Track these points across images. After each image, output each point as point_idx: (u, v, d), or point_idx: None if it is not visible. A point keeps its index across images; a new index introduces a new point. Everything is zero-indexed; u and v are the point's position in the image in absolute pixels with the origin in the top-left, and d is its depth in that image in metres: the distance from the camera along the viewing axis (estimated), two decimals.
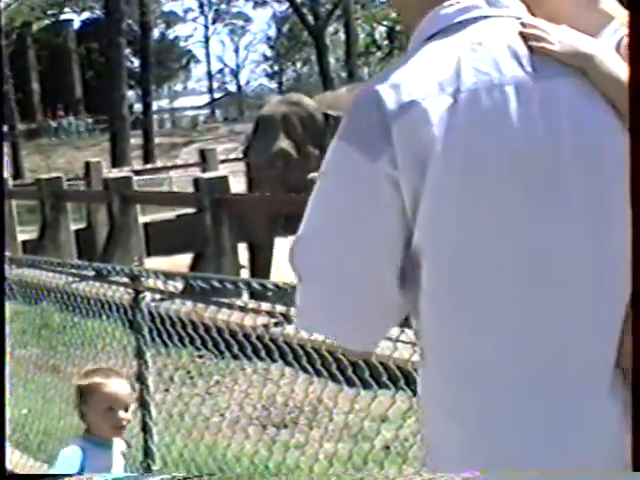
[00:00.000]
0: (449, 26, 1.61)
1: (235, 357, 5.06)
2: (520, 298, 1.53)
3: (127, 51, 34.96)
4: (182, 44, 50.77)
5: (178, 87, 52.00)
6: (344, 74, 37.79)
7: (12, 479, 2.04)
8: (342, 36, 40.00)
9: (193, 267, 10.28)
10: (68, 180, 17.48)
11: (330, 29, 36.05)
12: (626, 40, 1.63)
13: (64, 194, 14.88)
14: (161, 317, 4.88)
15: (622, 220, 1.50)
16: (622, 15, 1.71)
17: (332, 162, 1.61)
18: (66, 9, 40.06)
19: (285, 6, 41.15)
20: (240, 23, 53.90)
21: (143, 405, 4.56)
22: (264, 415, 5.92)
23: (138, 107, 38.05)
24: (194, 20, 52.53)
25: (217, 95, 55.79)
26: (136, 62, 39.11)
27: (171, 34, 49.07)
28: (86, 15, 42.55)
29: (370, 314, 1.62)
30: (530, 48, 1.58)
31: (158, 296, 7.41)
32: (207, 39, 53.03)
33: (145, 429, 4.51)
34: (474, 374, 1.56)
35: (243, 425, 5.57)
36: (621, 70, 1.57)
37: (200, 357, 6.34)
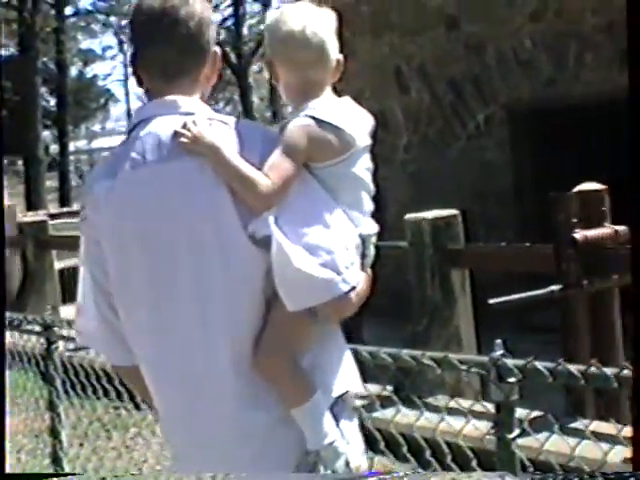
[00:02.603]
0: (139, 122, 2.35)
1: (152, 408, 4.89)
2: (153, 334, 2.34)
3: (43, 90, 34.43)
4: (101, 83, 50.23)
5: (96, 127, 51.45)
6: (268, 113, 37.69)
7: (12, 479, 2.07)
8: (266, 75, 39.84)
9: None
10: None
11: (254, 67, 35.81)
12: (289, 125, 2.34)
13: None
14: (75, 368, 4.69)
15: (221, 284, 2.28)
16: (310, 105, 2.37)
17: None
18: None
19: None
20: None
21: (55, 461, 4.37)
22: None
23: (54, 148, 37.44)
24: (113, 58, 52.14)
25: None
26: (52, 101, 38.49)
27: (89, 72, 48.61)
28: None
29: (110, 334, 2.42)
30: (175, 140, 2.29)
31: (72, 345, 7.17)
32: (126, 77, 52.60)
33: None
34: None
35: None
36: (230, 158, 2.27)
37: (116, 408, 6.13)
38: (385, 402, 4.22)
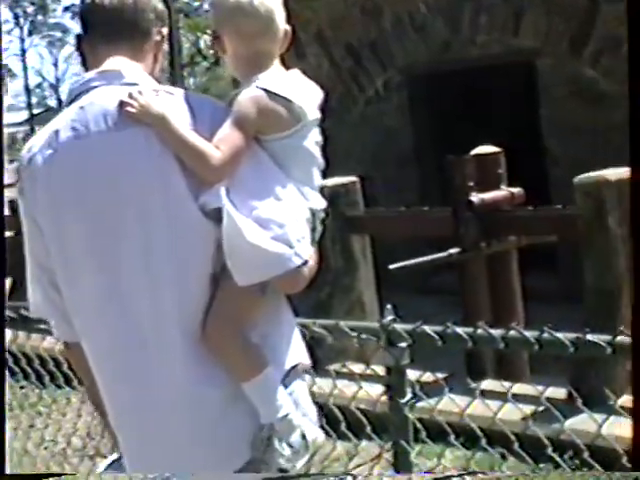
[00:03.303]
0: (80, 93, 2.32)
1: (59, 387, 4.86)
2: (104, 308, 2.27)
3: None
4: None
5: None
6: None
7: (12, 479, 2.00)
8: (165, 46, 39.46)
9: (11, 293, 9.82)
10: None
11: None
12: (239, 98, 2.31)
13: None
14: None
15: (169, 255, 2.24)
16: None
17: None
18: None
19: None
20: (58, 35, 52.61)
21: None
22: (92, 445, 5.69)
23: None
24: (9, 32, 50.96)
25: (37, 111, 54.28)
26: None
27: None
28: None
29: (54, 310, 2.39)
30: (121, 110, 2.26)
31: None
32: (24, 52, 51.55)
33: None
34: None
35: (70, 457, 5.35)
36: (179, 129, 2.24)
37: (22, 388, 6.05)
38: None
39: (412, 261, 5.66)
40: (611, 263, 5.24)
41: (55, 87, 56.32)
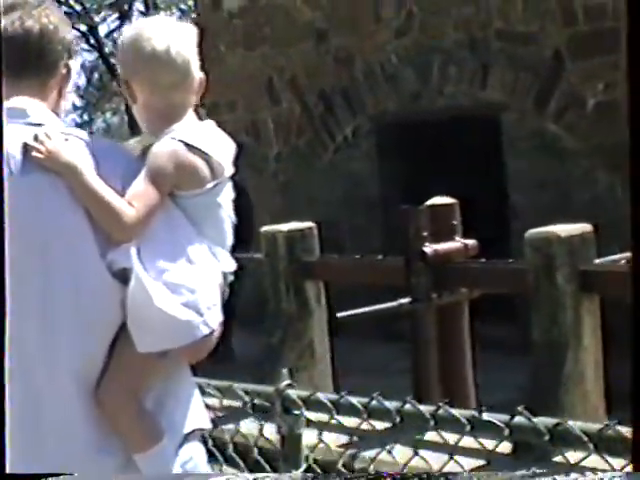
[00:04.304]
0: None
1: None
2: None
3: None
4: None
5: None
6: None
7: (12, 479, 1.95)
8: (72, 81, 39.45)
9: None
10: None
11: None
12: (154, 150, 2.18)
13: None
14: None
15: (70, 311, 2.09)
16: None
17: None
18: None
19: (94, 55, 40.41)
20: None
21: None
22: None
23: None
24: None
25: None
26: None
27: None
28: None
29: None
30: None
31: None
32: None
33: None
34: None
35: None
36: (90, 180, 2.09)
37: None
38: None
39: (360, 310, 5.68)
40: (558, 318, 5.28)
41: None
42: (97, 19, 32.15)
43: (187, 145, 2.19)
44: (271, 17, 10.95)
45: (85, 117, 55.10)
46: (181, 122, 2.24)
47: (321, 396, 2.55)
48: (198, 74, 2.29)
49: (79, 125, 56.88)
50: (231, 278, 2.28)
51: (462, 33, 9.34)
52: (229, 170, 2.27)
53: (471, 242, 6.02)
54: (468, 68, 9.28)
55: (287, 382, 2.61)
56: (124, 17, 30.57)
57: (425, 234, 5.92)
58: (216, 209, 2.24)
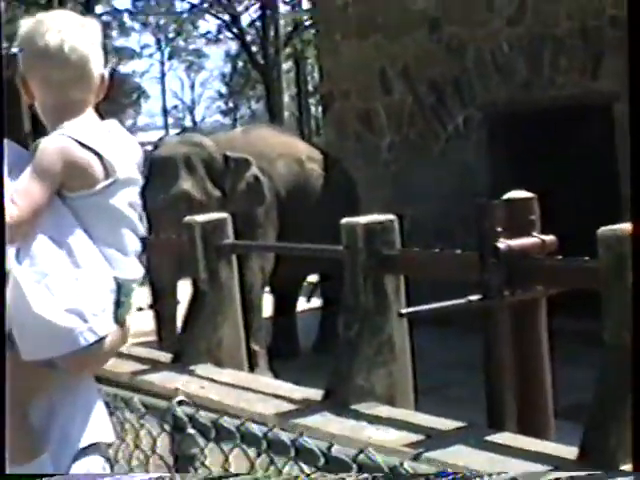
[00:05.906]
0: None
1: None
2: None
3: None
4: (137, 80, 50.63)
5: (128, 122, 51.78)
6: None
7: (12, 479, 2.01)
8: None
9: None
10: None
11: (284, 66, 35.92)
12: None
13: None
14: None
15: None
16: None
17: None
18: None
19: (237, 44, 40.99)
20: (196, 60, 53.83)
21: None
22: None
23: None
24: (150, 56, 52.44)
25: (173, 131, 55.51)
26: None
27: (127, 70, 48.94)
28: None
29: None
30: None
31: None
32: (163, 75, 52.94)
33: None
34: None
35: None
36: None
37: None
38: None
39: (426, 306, 5.56)
40: (628, 318, 5.07)
41: (191, 109, 57.61)
42: (240, 8, 32.67)
43: (77, 142, 2.10)
44: (385, 6, 10.87)
45: (230, 104, 56.18)
46: (75, 120, 2.15)
47: (202, 414, 2.31)
48: (99, 70, 2.19)
49: (224, 112, 58.08)
50: (133, 287, 2.11)
51: (575, 21, 9.07)
52: (127, 173, 2.16)
53: (549, 238, 5.83)
54: (580, 57, 9.00)
55: (179, 399, 2.39)
56: (265, 6, 30.93)
57: (499, 229, 5.76)
58: (110, 211, 2.13)
